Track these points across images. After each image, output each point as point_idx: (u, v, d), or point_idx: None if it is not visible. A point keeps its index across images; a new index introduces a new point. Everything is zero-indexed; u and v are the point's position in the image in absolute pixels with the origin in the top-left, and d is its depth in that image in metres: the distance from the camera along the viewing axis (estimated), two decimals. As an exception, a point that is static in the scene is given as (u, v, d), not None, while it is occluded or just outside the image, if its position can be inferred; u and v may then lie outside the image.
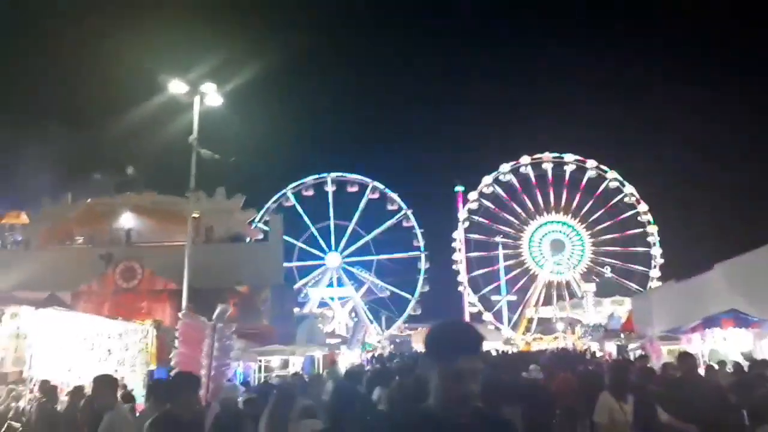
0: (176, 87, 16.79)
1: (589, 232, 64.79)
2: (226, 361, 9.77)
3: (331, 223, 62.86)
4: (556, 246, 65.31)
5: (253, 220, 38.41)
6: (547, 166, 65.52)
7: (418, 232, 61.11)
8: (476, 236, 65.00)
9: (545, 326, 56.29)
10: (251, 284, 24.72)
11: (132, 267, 22.59)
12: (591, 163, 64.03)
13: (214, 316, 9.69)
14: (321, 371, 19.09)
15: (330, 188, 62.63)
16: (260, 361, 18.96)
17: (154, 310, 20.52)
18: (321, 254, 62.55)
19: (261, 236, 35.59)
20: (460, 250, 63.91)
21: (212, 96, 16.87)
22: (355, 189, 62.48)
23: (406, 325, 60.04)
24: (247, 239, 31.90)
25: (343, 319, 50.62)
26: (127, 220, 27.72)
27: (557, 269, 64.72)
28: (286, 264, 41.42)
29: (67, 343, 12.05)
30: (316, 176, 62.14)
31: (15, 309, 11.37)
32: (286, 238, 41.27)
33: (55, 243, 27.79)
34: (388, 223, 62.15)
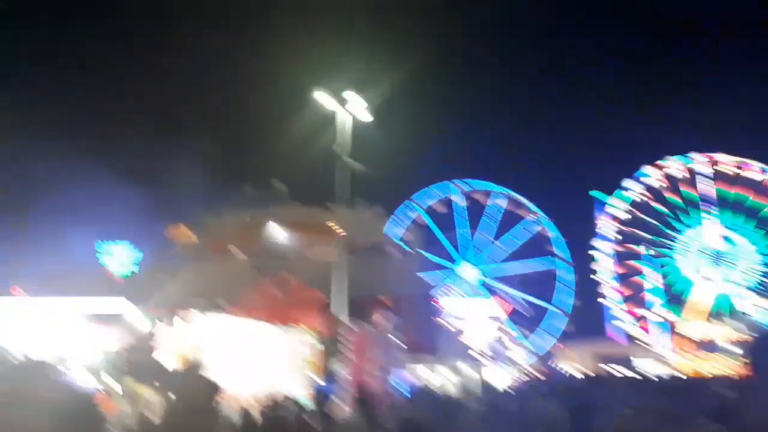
0: (321, 98, 17.26)
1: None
2: (392, 371, 9.65)
3: (462, 232, 62.10)
4: (716, 253, 59.30)
5: (387, 230, 38.98)
6: (699, 167, 59.81)
7: (557, 240, 58.48)
8: (618, 246, 60.88)
9: (706, 345, 51.13)
10: (394, 295, 24.87)
11: (284, 278, 23.66)
12: (756, 164, 57.43)
13: (384, 325, 9.61)
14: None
15: (458, 197, 61.89)
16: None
17: (305, 320, 21.26)
18: (451, 265, 61.86)
19: (398, 246, 35.95)
20: (602, 259, 60.19)
21: (357, 106, 17.15)
22: (484, 197, 61.18)
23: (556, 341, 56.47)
24: (384, 249, 32.35)
25: (481, 333, 49.59)
26: (276, 233, 29.19)
27: (718, 278, 58.68)
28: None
29: (234, 349, 12.68)
30: (443, 184, 61.63)
31: (193, 316, 12.23)
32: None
33: (213, 256, 29.92)
34: (522, 231, 60.06)
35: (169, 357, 12.78)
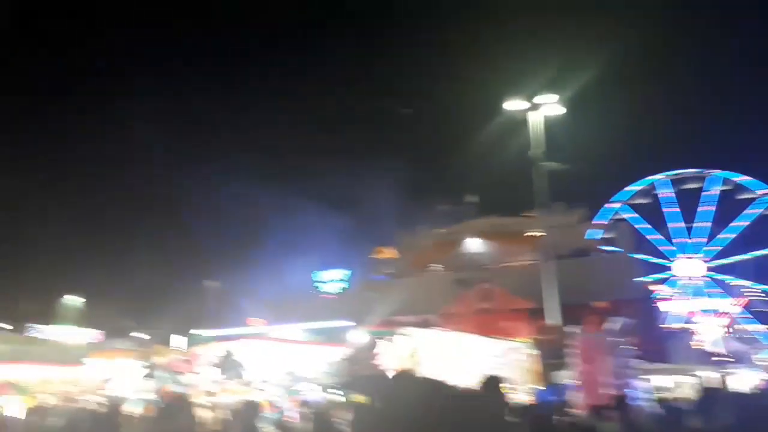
0: (514, 105, 16.80)
1: None
2: (627, 380, 8.77)
3: (676, 226, 55.97)
4: None
5: (592, 232, 36.60)
6: None
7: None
8: None
9: None
10: (609, 299, 23.11)
11: (487, 288, 23.42)
12: None
13: (613, 331, 8.84)
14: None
15: (666, 189, 55.97)
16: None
17: (514, 328, 20.73)
18: (667, 263, 55.89)
19: (604, 248, 33.61)
20: None
21: (552, 107, 16.37)
22: (696, 184, 54.45)
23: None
24: (591, 253, 30.44)
25: (713, 333, 43.93)
26: (474, 245, 29.13)
27: None
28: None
29: (452, 361, 12.64)
30: (647, 179, 56.30)
31: (406, 330, 12.54)
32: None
33: (416, 271, 30.82)
34: (747, 214, 52.08)
35: (388, 368, 13.23)
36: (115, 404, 9.92)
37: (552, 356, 11.19)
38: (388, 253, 33.12)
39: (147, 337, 32.62)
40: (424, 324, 16.12)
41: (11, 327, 34.94)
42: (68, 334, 35.79)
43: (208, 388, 15.54)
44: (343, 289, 37.54)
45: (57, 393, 18.29)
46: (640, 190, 56.23)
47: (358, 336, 18.74)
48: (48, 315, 36.91)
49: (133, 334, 33.99)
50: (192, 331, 30.62)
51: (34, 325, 35.78)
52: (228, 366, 15.03)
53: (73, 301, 38.25)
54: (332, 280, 38.88)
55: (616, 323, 9.01)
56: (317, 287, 39.25)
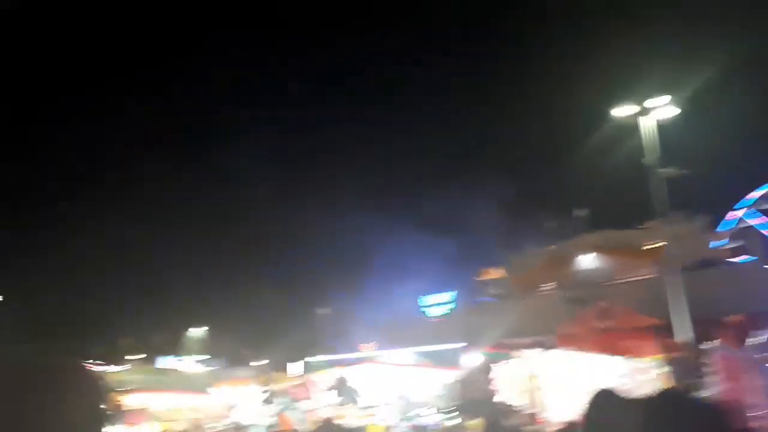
0: (623, 111, 15.99)
1: None
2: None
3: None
4: None
5: (717, 242, 33.72)
6: None
7: None
8: None
9: None
10: (746, 313, 21.07)
11: (605, 306, 22.10)
12: None
13: (757, 346, 7.98)
14: None
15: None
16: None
17: (639, 347, 19.36)
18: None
19: (732, 258, 30.81)
20: None
21: (665, 109, 15.40)
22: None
23: None
24: (719, 263, 28.03)
25: None
26: (587, 261, 27.76)
27: None
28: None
29: (574, 384, 11.97)
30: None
31: (521, 352, 12.06)
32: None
33: (525, 292, 29.79)
34: None
35: (503, 392, 12.77)
36: (239, 429, 10.33)
37: (686, 375, 10.26)
38: (495, 273, 32.34)
39: (265, 364, 33.90)
40: (539, 346, 15.46)
41: (144, 357, 37.71)
42: (193, 363, 38.02)
43: (326, 414, 15.81)
44: (450, 311, 37.08)
45: (186, 419, 19.33)
46: (765, 194, 51.41)
47: (472, 359, 18.35)
48: (175, 346, 39.46)
49: (252, 362, 35.48)
50: (307, 359, 31.49)
51: (163, 356, 38.39)
52: (343, 391, 15.20)
53: (197, 332, 40.68)
54: (438, 303, 38.57)
55: (759, 337, 8.12)
56: (424, 311, 39.06)
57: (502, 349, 14.68)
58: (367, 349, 29.38)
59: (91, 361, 35.19)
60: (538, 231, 31.80)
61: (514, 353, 12.45)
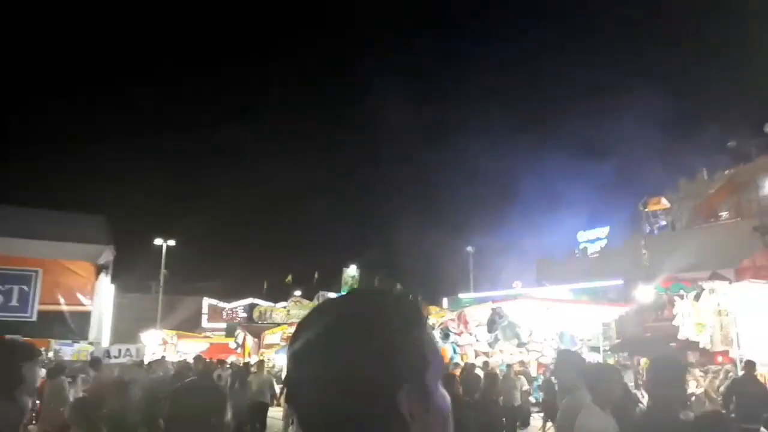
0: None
1: None
2: None
3: None
4: None
5: None
6: None
7: None
8: None
9: None
10: None
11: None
12: None
13: None
14: None
15: None
16: None
17: None
18: None
19: None
20: None
21: None
22: None
23: None
24: None
25: None
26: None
27: None
28: None
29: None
30: None
31: (711, 284, 10.70)
32: None
33: (699, 221, 26.90)
34: None
35: (685, 329, 11.50)
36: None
37: None
38: (664, 202, 29.40)
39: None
40: (720, 279, 13.72)
41: (305, 293, 40.40)
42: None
43: (482, 349, 15.57)
44: (603, 247, 34.81)
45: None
46: None
47: (641, 294, 16.97)
48: (333, 284, 41.70)
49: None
50: (460, 295, 31.54)
51: (324, 293, 40.79)
52: (499, 327, 14.77)
53: (351, 270, 42.58)
54: (597, 238, 36.35)
55: None
56: (580, 247, 37.11)
57: (676, 283, 13.22)
58: (519, 287, 28.62)
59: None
60: (716, 151, 28.17)
61: (698, 287, 11.08)
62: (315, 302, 40.04)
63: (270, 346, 22.95)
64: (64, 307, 17.87)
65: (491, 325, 14.34)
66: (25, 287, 17.43)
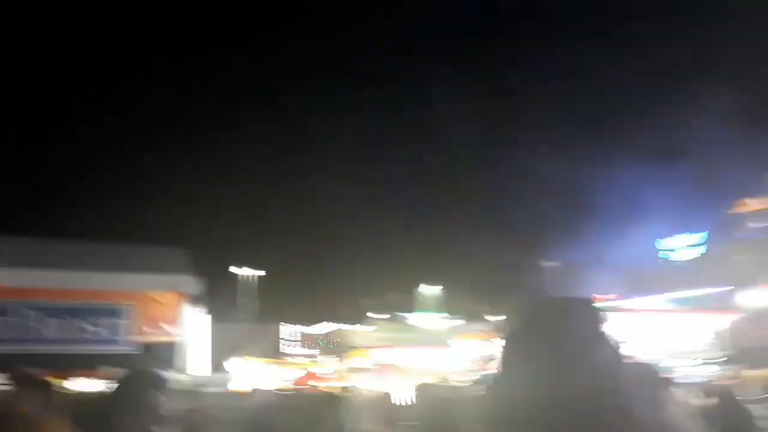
0: None
1: None
2: None
3: None
4: None
5: None
6: None
7: None
8: None
9: None
10: None
11: None
12: None
13: None
14: None
15: None
16: None
17: None
18: None
19: None
20: None
21: None
22: None
23: None
24: None
25: None
26: None
27: None
28: None
29: None
30: None
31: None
32: None
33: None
34: None
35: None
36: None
37: None
38: (757, 203, 27.41)
39: (503, 319, 33.61)
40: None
41: (389, 316, 40.29)
42: (430, 319, 39.51)
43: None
44: (701, 254, 32.71)
45: (432, 373, 19.82)
46: None
47: (748, 301, 15.80)
48: (411, 304, 41.44)
49: (487, 317, 35.60)
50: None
51: (402, 314, 40.57)
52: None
53: (431, 290, 42.20)
54: (685, 246, 34.34)
55: None
56: (665, 256, 35.13)
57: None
58: (605, 299, 27.31)
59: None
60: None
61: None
62: (394, 324, 39.94)
63: (354, 369, 22.93)
64: (156, 338, 18.44)
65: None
66: (114, 320, 18.13)
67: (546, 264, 39.09)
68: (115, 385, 2.59)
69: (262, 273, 36.56)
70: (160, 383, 2.73)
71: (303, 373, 26.21)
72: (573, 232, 42.68)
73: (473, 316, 36.84)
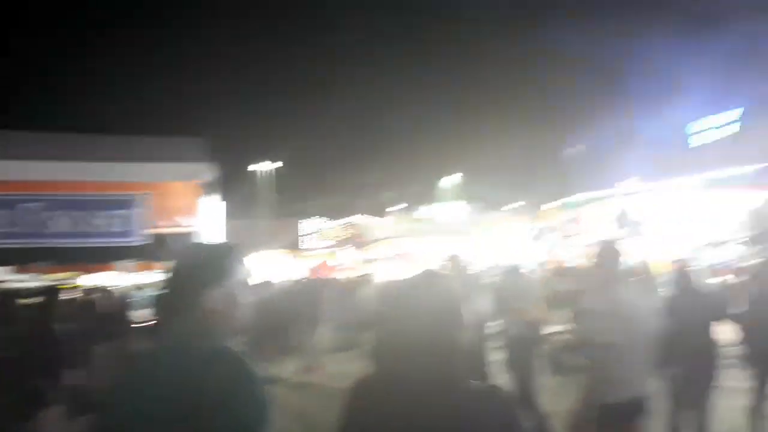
0: None
1: None
2: None
3: None
4: None
5: None
6: None
7: None
8: None
9: None
10: None
11: None
12: None
13: None
14: None
15: None
16: None
17: None
18: None
19: None
20: None
21: None
22: None
23: None
24: None
25: None
26: None
27: None
28: None
29: None
30: None
31: None
32: None
33: None
34: None
35: None
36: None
37: None
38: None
39: (522, 205, 32.81)
40: None
41: (405, 207, 39.68)
42: (451, 210, 38.76)
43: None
44: (736, 131, 30.57)
45: (449, 263, 19.14)
46: None
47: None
48: (431, 195, 40.63)
49: (508, 204, 34.72)
50: (565, 199, 29.32)
51: (422, 205, 39.89)
52: (623, 224, 13.02)
53: (450, 179, 41.17)
54: (719, 124, 32.20)
55: None
56: (695, 138, 33.10)
57: None
58: (633, 183, 26.04)
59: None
60: None
61: None
62: (412, 214, 39.43)
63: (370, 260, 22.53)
64: (170, 230, 17.74)
65: (617, 222, 12.63)
66: (127, 211, 17.43)
67: (572, 148, 37.43)
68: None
69: (280, 164, 35.50)
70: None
71: (319, 263, 25.96)
72: (601, 113, 40.49)
73: (493, 204, 35.91)
